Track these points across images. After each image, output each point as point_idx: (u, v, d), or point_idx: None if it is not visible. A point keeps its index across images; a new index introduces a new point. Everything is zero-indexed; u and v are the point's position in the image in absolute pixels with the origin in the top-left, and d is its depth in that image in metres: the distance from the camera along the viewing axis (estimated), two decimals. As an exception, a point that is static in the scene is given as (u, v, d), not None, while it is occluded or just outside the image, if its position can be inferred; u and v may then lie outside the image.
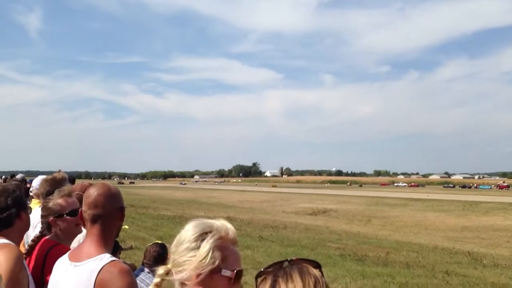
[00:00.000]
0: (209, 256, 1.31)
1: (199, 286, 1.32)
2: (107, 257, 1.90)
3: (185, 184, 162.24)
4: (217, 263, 1.32)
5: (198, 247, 1.34)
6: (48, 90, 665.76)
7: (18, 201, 2.42)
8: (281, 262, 1.13)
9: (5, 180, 7.86)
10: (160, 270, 1.40)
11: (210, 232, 1.36)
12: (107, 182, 2.50)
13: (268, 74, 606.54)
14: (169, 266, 1.39)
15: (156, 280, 1.39)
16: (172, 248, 1.40)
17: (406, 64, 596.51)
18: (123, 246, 4.59)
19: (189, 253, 1.34)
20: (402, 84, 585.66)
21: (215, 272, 1.32)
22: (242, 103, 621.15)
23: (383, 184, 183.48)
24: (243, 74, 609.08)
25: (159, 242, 4.43)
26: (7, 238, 2.29)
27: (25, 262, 2.40)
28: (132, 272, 1.95)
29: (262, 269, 1.14)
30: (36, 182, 4.87)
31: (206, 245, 1.33)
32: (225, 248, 1.36)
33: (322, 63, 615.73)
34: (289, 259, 1.13)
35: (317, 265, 1.13)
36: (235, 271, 1.36)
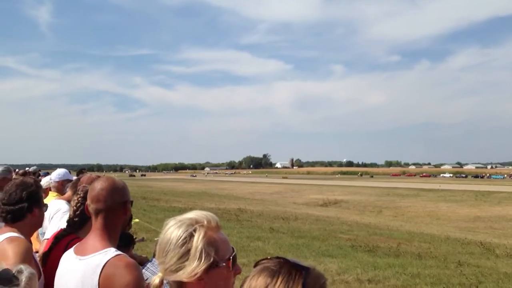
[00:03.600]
0: (203, 255, 1.28)
1: (200, 286, 1.30)
2: (112, 251, 1.89)
3: (195, 176, 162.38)
4: (212, 258, 1.29)
5: (188, 250, 1.29)
6: (58, 83, 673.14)
7: (33, 196, 2.45)
8: (277, 258, 1.11)
9: (24, 174, 7.92)
10: (156, 279, 1.35)
11: (194, 230, 1.32)
12: (115, 175, 2.51)
13: (277, 65, 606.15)
14: (161, 275, 1.35)
15: None
16: (159, 257, 1.34)
17: (417, 54, 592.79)
18: (135, 238, 4.62)
19: (181, 259, 1.29)
20: (413, 73, 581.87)
21: (212, 267, 1.29)
22: (252, 94, 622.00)
23: (394, 175, 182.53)
24: (252, 65, 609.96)
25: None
26: (18, 231, 2.32)
27: (36, 256, 2.42)
28: (138, 266, 1.93)
29: (261, 259, 1.13)
30: (55, 175, 4.91)
31: (197, 245, 1.29)
32: (214, 239, 1.32)
33: (332, 53, 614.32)
34: (285, 258, 1.11)
35: (305, 274, 1.07)
36: (230, 258, 1.33)
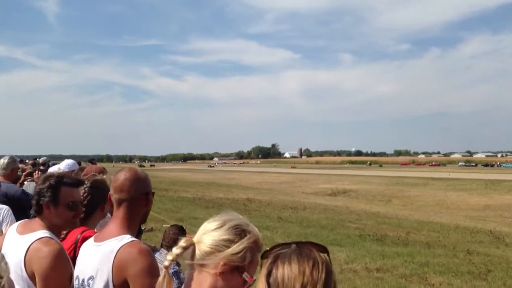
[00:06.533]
0: (241, 254, 1.32)
1: (218, 276, 1.33)
2: (127, 238, 1.93)
3: (213, 166, 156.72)
4: (245, 263, 1.34)
5: (234, 241, 1.34)
6: (67, 74, 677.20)
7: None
8: (289, 244, 1.13)
9: (33, 165, 7.99)
10: (183, 242, 1.39)
11: (249, 232, 1.37)
12: (134, 166, 2.50)
13: (286, 55, 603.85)
14: (194, 240, 1.39)
15: (176, 251, 1.38)
16: (205, 227, 1.40)
17: (427, 42, 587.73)
18: (144, 228, 4.65)
19: (225, 242, 1.34)
20: (423, 62, 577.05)
21: (239, 270, 1.33)
22: (260, 84, 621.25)
23: (403, 164, 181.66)
24: (260, 55, 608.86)
25: (178, 224, 4.47)
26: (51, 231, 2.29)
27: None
28: (151, 252, 1.97)
29: (267, 249, 1.15)
30: (64, 165, 4.93)
31: (243, 243, 1.34)
32: (254, 253, 1.37)
33: (341, 42, 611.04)
34: (296, 241, 1.13)
35: (324, 250, 1.12)
36: (254, 279, 1.37)
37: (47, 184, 2.29)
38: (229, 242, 1.33)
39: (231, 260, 1.32)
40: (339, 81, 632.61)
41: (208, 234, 1.36)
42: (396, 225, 16.99)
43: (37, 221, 2.30)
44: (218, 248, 1.33)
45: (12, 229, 2.36)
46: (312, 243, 1.13)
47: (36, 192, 2.31)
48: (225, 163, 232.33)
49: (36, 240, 2.16)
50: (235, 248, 1.31)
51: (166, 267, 1.38)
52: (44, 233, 2.21)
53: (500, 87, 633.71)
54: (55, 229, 2.31)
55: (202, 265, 1.35)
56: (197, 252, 1.36)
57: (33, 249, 2.13)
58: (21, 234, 2.25)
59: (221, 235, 1.35)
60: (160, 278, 1.37)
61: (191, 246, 1.38)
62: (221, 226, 1.37)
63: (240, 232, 1.36)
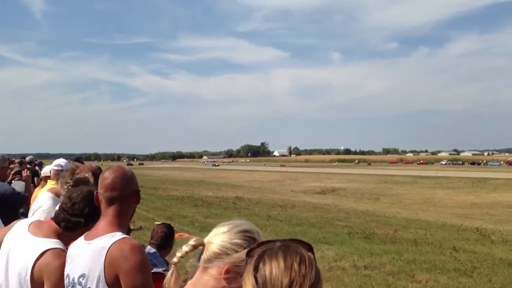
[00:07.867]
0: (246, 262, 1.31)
1: (222, 279, 1.35)
2: (118, 235, 1.94)
3: (218, 165, 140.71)
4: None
5: (243, 246, 1.35)
6: (55, 72, 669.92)
7: (94, 213, 2.23)
8: (274, 241, 1.13)
9: (20, 163, 7.91)
10: (193, 241, 1.40)
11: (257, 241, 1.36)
12: (121, 164, 2.49)
13: (276, 53, 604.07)
14: (204, 240, 1.40)
15: (186, 248, 1.39)
16: (217, 230, 1.41)
17: (415, 40, 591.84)
18: (132, 227, 4.63)
19: (234, 246, 1.35)
20: (411, 60, 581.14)
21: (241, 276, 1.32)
22: (250, 82, 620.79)
23: (392, 162, 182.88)
24: (250, 53, 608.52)
25: (166, 222, 4.46)
26: (61, 238, 2.22)
27: None
28: (143, 248, 2.00)
29: (252, 247, 1.14)
30: (56, 164, 4.88)
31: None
32: None
33: (331, 41, 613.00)
34: (282, 239, 1.13)
35: (310, 248, 1.13)
36: None
37: (94, 204, 2.20)
38: (238, 247, 1.34)
39: (237, 266, 1.32)
40: (329, 79, 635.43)
41: (218, 236, 1.38)
42: (384, 223, 17.13)
43: (51, 225, 2.26)
44: (226, 250, 1.34)
45: (23, 227, 2.28)
46: (297, 240, 1.13)
47: (85, 214, 2.24)
48: (214, 161, 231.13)
49: (49, 250, 2.12)
50: (242, 254, 1.29)
51: (175, 264, 1.39)
52: (58, 243, 2.18)
53: (488, 86, 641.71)
54: (68, 236, 2.27)
55: (206, 267, 1.37)
56: (205, 253, 1.38)
57: (46, 258, 2.10)
58: (34, 235, 2.20)
59: (231, 238, 1.36)
60: (168, 274, 1.39)
61: (200, 246, 1.39)
62: (232, 230, 1.38)
63: (250, 239, 1.37)
